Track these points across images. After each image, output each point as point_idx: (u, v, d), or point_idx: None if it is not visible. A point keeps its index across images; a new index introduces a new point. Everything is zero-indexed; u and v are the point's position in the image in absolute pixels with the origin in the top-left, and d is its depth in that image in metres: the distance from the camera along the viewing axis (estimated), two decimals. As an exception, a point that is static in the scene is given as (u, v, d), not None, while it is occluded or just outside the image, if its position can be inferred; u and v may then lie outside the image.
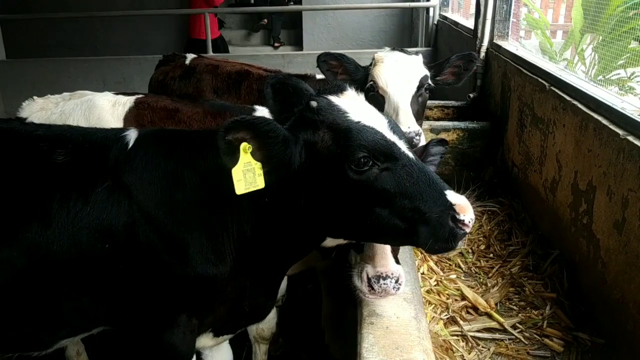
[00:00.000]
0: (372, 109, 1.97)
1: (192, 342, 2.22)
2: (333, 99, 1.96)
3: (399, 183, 1.84)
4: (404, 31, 10.88)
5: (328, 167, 1.87)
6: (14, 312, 2.08)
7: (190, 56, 4.74)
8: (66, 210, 2.01)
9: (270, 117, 2.05)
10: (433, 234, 1.83)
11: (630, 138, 2.55)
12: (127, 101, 3.56)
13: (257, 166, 1.82)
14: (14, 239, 1.99)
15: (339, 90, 1.99)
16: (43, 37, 10.75)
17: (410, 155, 1.89)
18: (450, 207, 1.82)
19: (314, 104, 1.89)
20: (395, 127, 1.93)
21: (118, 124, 3.41)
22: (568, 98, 3.27)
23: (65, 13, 9.66)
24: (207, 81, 4.37)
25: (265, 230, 2.09)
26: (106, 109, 3.45)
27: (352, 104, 1.94)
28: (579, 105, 3.10)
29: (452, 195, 1.85)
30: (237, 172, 1.79)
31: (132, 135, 2.18)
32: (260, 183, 1.84)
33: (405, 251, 2.70)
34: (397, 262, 2.31)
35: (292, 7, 10.61)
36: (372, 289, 2.19)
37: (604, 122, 2.80)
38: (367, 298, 2.24)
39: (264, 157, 1.82)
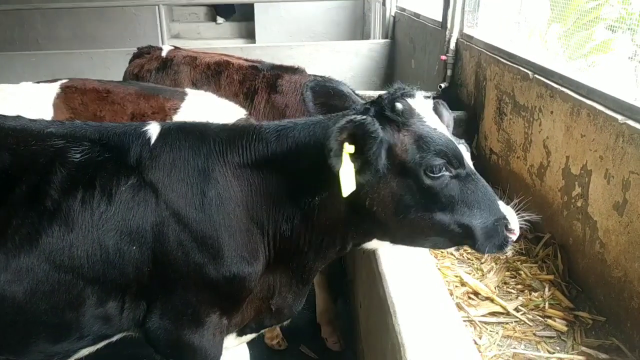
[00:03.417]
0: (436, 117, 2.02)
1: (221, 343, 2.15)
2: (411, 102, 1.97)
3: (463, 191, 1.95)
4: (357, 23, 10.96)
5: (401, 170, 1.89)
6: (36, 322, 1.94)
7: (166, 48, 4.57)
8: (89, 212, 1.89)
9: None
10: (489, 241, 1.99)
11: (630, 122, 2.64)
12: (51, 88, 3.53)
13: (351, 167, 1.81)
14: (34, 244, 1.85)
15: (410, 94, 2.00)
16: (-21, 32, 10.12)
17: (471, 165, 2.00)
18: (504, 217, 1.99)
19: (400, 106, 1.91)
20: (454, 136, 2.02)
21: (47, 111, 3.35)
22: (555, 85, 3.36)
23: (5, 5, 9.10)
24: (185, 73, 4.22)
25: (308, 231, 2.06)
26: (31, 99, 3.41)
27: (425, 110, 1.98)
28: (569, 92, 3.20)
29: (502, 206, 2.01)
30: (343, 174, 1.78)
31: (153, 130, 2.07)
32: (353, 185, 1.82)
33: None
34: None
35: (244, -1, 10.45)
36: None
37: (599, 107, 2.89)
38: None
39: (357, 157, 1.82)
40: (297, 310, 2.38)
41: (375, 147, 1.82)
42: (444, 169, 1.91)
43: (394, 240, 2.12)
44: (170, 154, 2.01)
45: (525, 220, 2.14)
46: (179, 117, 3.34)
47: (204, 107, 3.39)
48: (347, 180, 1.80)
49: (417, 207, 1.93)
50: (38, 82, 3.61)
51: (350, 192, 1.82)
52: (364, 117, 1.81)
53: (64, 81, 3.62)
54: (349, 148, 1.78)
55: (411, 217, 1.95)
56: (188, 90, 3.59)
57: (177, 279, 1.98)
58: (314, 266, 2.25)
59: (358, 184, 1.85)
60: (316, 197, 1.98)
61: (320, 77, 3.87)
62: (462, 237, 1.99)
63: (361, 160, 1.83)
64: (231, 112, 3.35)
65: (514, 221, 2.00)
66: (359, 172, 1.84)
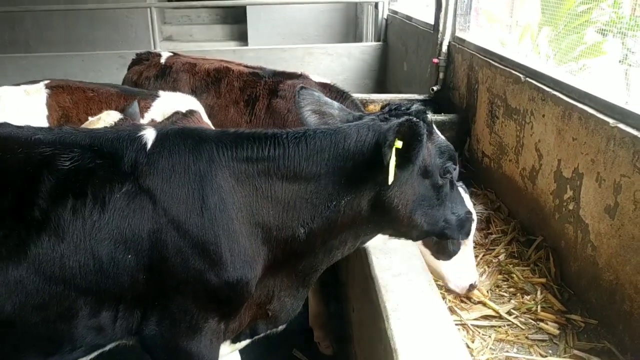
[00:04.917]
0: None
1: (217, 349, 2.13)
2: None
3: (450, 188, 2.28)
4: (349, 26, 10.95)
5: (424, 171, 2.14)
6: (27, 336, 1.89)
7: (165, 54, 4.53)
8: (81, 221, 1.84)
9: None
10: (461, 229, 2.38)
11: (621, 126, 2.65)
12: (39, 88, 3.63)
13: (393, 162, 1.95)
14: (23, 256, 1.80)
15: (425, 111, 2.22)
16: (-32, 34, 10.04)
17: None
18: (469, 210, 2.44)
19: (429, 118, 2.19)
20: None
21: (41, 111, 3.51)
22: (547, 89, 3.37)
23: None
24: (184, 80, 4.19)
25: (327, 233, 2.09)
26: (22, 99, 3.51)
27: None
28: (560, 96, 3.21)
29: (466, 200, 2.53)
30: (391, 164, 1.94)
31: (149, 135, 2.02)
32: (392, 179, 1.97)
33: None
34: None
35: (236, 1, 10.41)
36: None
37: (591, 111, 2.90)
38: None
39: (400, 154, 1.96)
40: (294, 315, 2.37)
41: (418, 148, 1.98)
42: (449, 171, 2.21)
43: (392, 235, 2.35)
44: (170, 159, 1.96)
45: (478, 212, 2.80)
46: (150, 114, 3.64)
47: (170, 104, 3.66)
48: (392, 171, 1.95)
49: (425, 204, 2.19)
50: (18, 84, 3.70)
51: (392, 182, 1.98)
52: (419, 120, 1.96)
53: (45, 81, 3.69)
54: (398, 143, 1.93)
55: (419, 212, 2.19)
56: (161, 92, 3.80)
57: (175, 285, 1.94)
58: (320, 267, 2.26)
59: (394, 181, 2.00)
60: (342, 201, 2.05)
61: (321, 83, 3.90)
62: (443, 227, 2.30)
63: (401, 157, 1.97)
64: (188, 105, 3.67)
65: (474, 212, 2.57)
66: (396, 167, 1.97)
